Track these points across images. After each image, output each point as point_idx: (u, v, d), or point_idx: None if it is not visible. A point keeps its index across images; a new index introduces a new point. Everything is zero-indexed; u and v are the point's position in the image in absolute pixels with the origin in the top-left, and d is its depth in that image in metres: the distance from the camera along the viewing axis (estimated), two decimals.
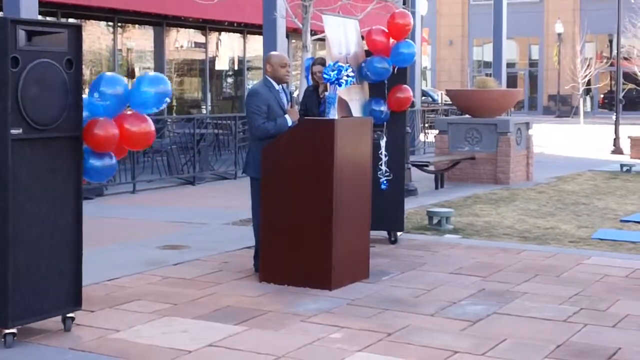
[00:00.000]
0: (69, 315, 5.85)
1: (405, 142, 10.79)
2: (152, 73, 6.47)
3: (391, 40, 9.01)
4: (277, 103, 7.48)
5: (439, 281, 7.49)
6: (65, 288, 5.82)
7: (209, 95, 21.38)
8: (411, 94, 9.29)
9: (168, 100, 6.23)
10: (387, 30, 9.03)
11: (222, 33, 21.94)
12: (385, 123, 9.01)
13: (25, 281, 5.54)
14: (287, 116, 7.46)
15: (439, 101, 36.96)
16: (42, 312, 5.70)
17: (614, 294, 7.10)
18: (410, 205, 11.53)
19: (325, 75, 7.32)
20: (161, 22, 19.46)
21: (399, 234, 9.39)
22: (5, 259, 5.43)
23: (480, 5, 50.01)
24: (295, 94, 12.51)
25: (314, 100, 8.47)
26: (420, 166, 14.37)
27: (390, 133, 9.08)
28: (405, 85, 9.18)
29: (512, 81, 45.76)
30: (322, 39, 13.63)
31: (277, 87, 7.55)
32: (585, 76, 36.39)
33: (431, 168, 14.54)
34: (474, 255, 8.64)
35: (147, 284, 7.25)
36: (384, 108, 8.93)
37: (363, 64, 8.79)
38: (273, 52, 7.91)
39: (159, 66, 19.69)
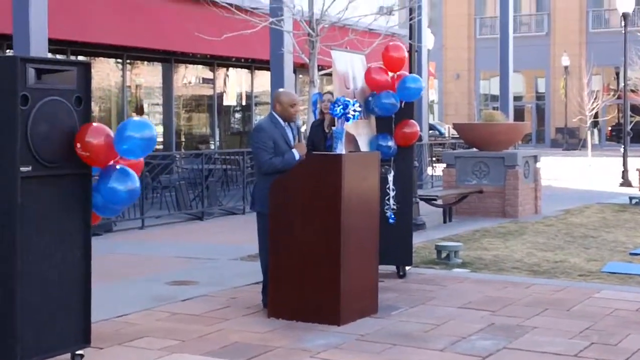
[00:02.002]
0: (77, 352, 5.84)
1: (413, 176, 10.80)
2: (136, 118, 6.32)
3: (390, 74, 9.01)
4: (282, 139, 7.49)
5: (448, 316, 7.46)
6: (73, 325, 5.81)
7: (217, 131, 21.46)
8: (418, 128, 9.30)
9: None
10: (384, 67, 9.04)
11: (230, 69, 22.07)
12: (392, 157, 9.03)
13: (34, 318, 5.54)
14: (294, 150, 7.49)
15: (446, 135, 37.02)
16: (51, 349, 5.69)
17: (624, 328, 7.06)
18: (419, 239, 11.51)
19: (331, 111, 7.35)
20: (169, 59, 19.60)
21: (407, 268, 9.37)
22: (14, 296, 5.43)
23: (486, 38, 50.24)
24: (302, 129, 12.55)
25: (320, 134, 8.50)
26: (428, 200, 14.36)
27: (398, 167, 9.09)
28: (411, 120, 9.20)
29: (519, 114, 45.83)
30: (329, 74, 13.69)
31: (282, 123, 7.57)
32: (593, 109, 36.35)
33: (439, 202, 14.53)
34: (483, 290, 8.61)
35: (155, 320, 7.24)
36: (391, 143, 8.94)
37: (370, 99, 8.82)
38: (282, 91, 7.87)
39: (167, 102, 19.80)
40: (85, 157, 5.76)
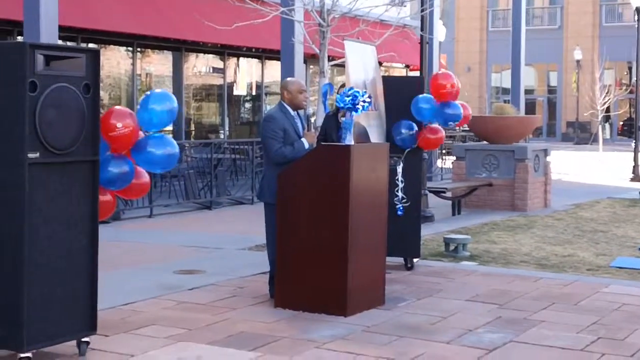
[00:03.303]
0: (83, 339, 5.85)
1: (422, 168, 10.78)
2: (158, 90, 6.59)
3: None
4: (292, 128, 7.50)
5: (455, 308, 7.45)
6: (80, 312, 5.82)
7: (226, 120, 21.45)
8: (443, 134, 9.31)
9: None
10: (453, 75, 9.15)
11: (240, 58, 22.05)
12: (408, 148, 9.05)
13: (41, 305, 5.54)
14: (303, 139, 7.48)
15: (457, 127, 36.90)
16: (57, 336, 5.69)
17: (632, 323, 7.03)
18: (427, 231, 11.49)
19: (338, 102, 7.32)
20: (180, 48, 19.59)
21: (415, 260, 9.35)
22: (21, 283, 5.43)
23: (498, 31, 50.08)
24: (312, 119, 12.53)
25: (333, 125, 8.47)
26: (438, 192, 14.32)
27: (407, 159, 9.07)
28: (437, 126, 9.19)
29: (530, 108, 45.67)
30: (340, 65, 13.66)
31: (292, 112, 7.57)
32: (604, 103, 36.26)
33: (448, 194, 14.50)
34: (491, 283, 8.58)
35: (162, 309, 7.24)
36: (413, 133, 8.99)
37: (437, 108, 8.99)
38: (290, 79, 7.90)
39: (177, 91, 19.80)
40: (123, 134, 5.95)
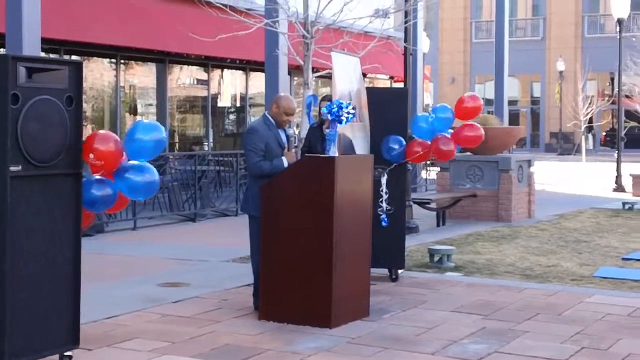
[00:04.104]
0: (66, 353, 5.80)
1: (407, 179, 10.79)
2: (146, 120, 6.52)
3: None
4: (276, 141, 7.48)
5: (440, 319, 7.44)
6: (63, 326, 5.77)
7: (211, 132, 21.42)
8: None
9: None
10: (479, 98, 9.44)
11: (224, 70, 22.04)
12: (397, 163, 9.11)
13: (23, 318, 5.50)
14: (283, 158, 7.46)
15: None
16: (39, 350, 5.64)
17: (615, 332, 7.05)
18: (412, 242, 11.49)
19: (328, 110, 7.31)
20: (164, 59, 19.56)
21: (399, 271, 9.35)
22: (3, 296, 5.39)
23: (481, 43, 50.30)
24: (296, 131, 12.50)
25: (318, 137, 8.48)
26: (422, 203, 14.33)
27: (392, 170, 9.09)
28: (423, 140, 9.30)
29: (514, 118, 45.85)
30: (324, 76, 13.69)
31: (275, 124, 7.55)
32: (587, 114, 36.45)
33: (433, 205, 14.51)
34: (475, 293, 8.59)
35: (145, 322, 7.21)
36: (401, 147, 9.08)
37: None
38: (285, 96, 7.78)
39: (161, 103, 19.77)
40: (99, 165, 5.86)
